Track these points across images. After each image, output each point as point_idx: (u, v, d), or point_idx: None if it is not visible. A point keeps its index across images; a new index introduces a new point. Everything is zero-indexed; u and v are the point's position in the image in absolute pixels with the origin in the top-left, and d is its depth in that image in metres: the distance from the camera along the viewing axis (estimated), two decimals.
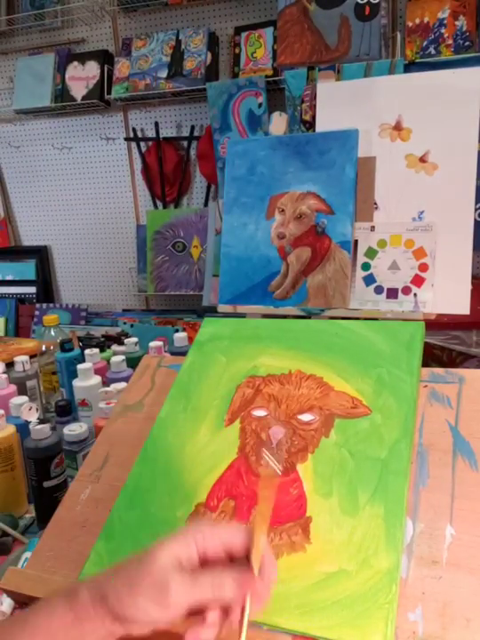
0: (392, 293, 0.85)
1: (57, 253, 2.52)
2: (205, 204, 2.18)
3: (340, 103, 0.92)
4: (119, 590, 0.37)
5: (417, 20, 1.67)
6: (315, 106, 0.95)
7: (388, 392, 0.58)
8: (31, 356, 1.18)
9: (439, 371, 0.61)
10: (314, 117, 0.95)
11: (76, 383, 0.99)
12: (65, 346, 1.09)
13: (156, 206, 2.26)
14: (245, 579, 0.37)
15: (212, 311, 1.47)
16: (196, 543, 0.38)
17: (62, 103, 2.18)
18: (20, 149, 2.44)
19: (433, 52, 1.66)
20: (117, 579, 0.38)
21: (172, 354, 1.11)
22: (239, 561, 0.39)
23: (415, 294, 0.84)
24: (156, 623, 0.37)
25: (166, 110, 2.18)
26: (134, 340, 1.20)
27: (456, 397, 0.58)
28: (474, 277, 0.84)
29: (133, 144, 2.25)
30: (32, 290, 2.47)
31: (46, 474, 0.77)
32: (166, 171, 2.18)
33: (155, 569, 0.37)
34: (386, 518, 0.48)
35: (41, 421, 0.81)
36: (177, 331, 1.95)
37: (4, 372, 1.09)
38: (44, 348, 1.14)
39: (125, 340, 1.21)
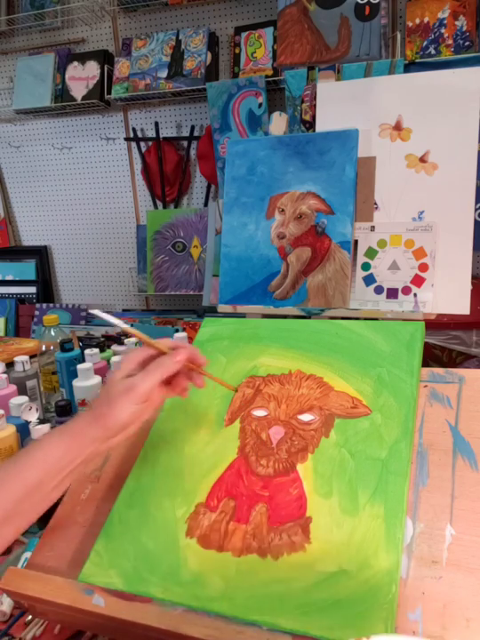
0: (392, 293, 0.85)
1: (57, 253, 2.52)
2: (205, 204, 2.18)
3: (340, 103, 0.92)
4: (105, 411, 0.52)
5: (417, 20, 1.67)
6: (315, 106, 0.95)
7: (388, 392, 0.58)
8: (31, 356, 1.18)
9: (439, 371, 0.61)
10: (314, 117, 0.95)
11: (76, 383, 0.99)
12: (65, 346, 1.09)
13: (156, 206, 2.26)
14: (177, 353, 0.55)
15: (212, 311, 1.47)
16: (141, 362, 0.54)
17: (62, 103, 2.18)
18: (20, 149, 2.44)
19: (433, 52, 1.66)
20: (98, 406, 0.53)
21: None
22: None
23: (415, 294, 0.84)
24: (138, 415, 0.53)
25: (166, 110, 2.18)
26: (134, 339, 1.20)
27: (456, 397, 0.58)
28: (474, 277, 0.84)
29: (133, 144, 2.25)
30: (32, 290, 2.47)
31: None
32: (166, 171, 2.18)
33: (117, 383, 0.52)
34: (386, 518, 0.48)
35: (41, 421, 0.81)
36: (177, 331, 1.95)
37: (4, 372, 1.09)
38: (43, 348, 1.14)
39: (125, 340, 1.21)
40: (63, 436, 0.53)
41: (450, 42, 1.64)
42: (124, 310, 2.41)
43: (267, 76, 1.87)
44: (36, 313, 2.35)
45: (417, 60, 1.66)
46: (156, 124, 2.16)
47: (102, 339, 1.49)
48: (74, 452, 0.52)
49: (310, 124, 0.99)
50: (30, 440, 0.81)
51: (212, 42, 2.00)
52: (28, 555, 0.69)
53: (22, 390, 1.08)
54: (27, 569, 0.54)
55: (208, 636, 0.44)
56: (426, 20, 1.66)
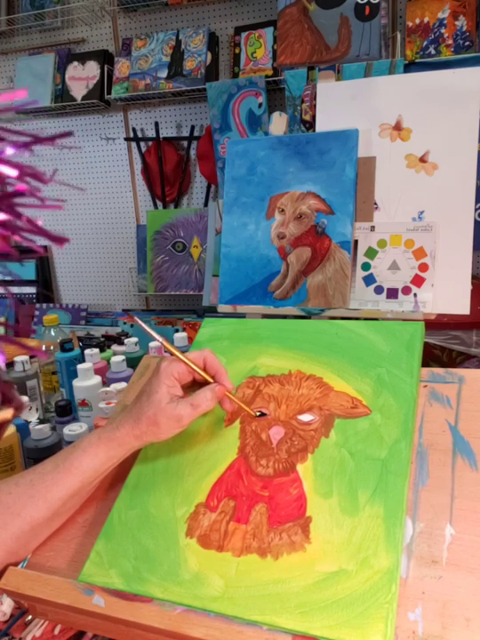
0: (392, 293, 0.85)
1: (57, 253, 2.52)
2: (205, 204, 2.18)
3: (339, 103, 0.92)
4: (152, 430, 0.55)
5: (417, 20, 1.67)
6: (315, 106, 0.95)
7: (388, 392, 0.58)
8: (31, 356, 1.18)
9: (439, 371, 0.61)
10: (314, 117, 0.95)
11: (76, 383, 0.99)
12: (65, 346, 1.09)
13: (156, 206, 2.27)
14: (216, 388, 0.58)
15: (212, 311, 1.47)
16: (178, 378, 0.58)
17: (62, 103, 2.18)
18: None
19: (433, 52, 1.66)
20: (144, 420, 0.55)
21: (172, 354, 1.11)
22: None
23: (415, 294, 0.84)
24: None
25: (166, 110, 2.18)
26: (134, 339, 1.20)
27: (456, 397, 0.58)
28: (474, 277, 0.84)
29: (133, 144, 2.25)
30: (32, 290, 2.47)
31: None
32: (166, 171, 2.18)
33: (166, 408, 0.55)
34: (386, 518, 0.48)
35: (41, 421, 0.81)
36: (177, 331, 1.95)
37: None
38: (43, 348, 1.14)
39: (125, 340, 1.21)
40: (106, 444, 0.56)
41: (450, 42, 1.64)
42: (123, 310, 2.41)
43: (267, 76, 1.87)
44: (36, 313, 2.35)
45: (417, 60, 1.66)
46: (156, 124, 2.16)
47: (102, 339, 1.49)
48: (114, 460, 0.57)
49: (310, 124, 0.99)
50: (31, 440, 0.81)
51: (212, 42, 2.00)
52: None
53: (22, 390, 1.08)
54: (27, 569, 0.54)
55: (208, 635, 0.44)
56: (426, 19, 1.66)
